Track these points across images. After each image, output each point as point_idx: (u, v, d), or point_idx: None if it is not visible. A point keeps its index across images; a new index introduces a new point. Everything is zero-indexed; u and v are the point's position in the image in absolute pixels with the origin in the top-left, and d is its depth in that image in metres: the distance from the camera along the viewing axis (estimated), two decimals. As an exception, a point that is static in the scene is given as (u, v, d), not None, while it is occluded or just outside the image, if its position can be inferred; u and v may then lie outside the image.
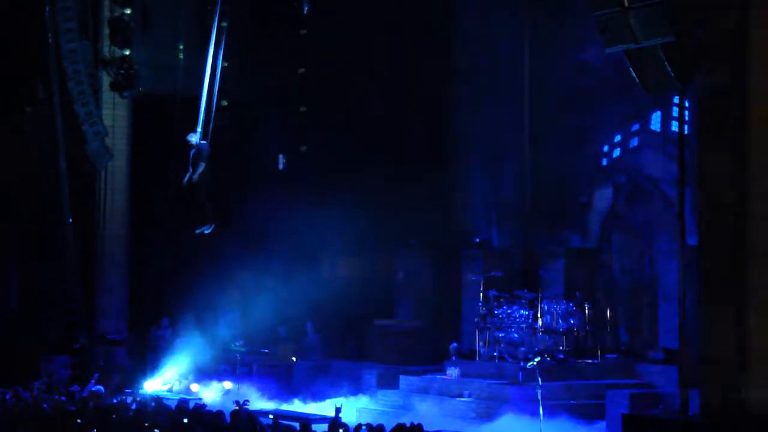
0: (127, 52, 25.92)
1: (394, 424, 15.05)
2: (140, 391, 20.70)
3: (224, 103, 27.13)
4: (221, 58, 19.70)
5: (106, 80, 26.28)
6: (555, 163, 24.04)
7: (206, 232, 19.70)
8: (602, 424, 18.76)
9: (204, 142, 19.33)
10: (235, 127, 27.59)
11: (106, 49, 26.22)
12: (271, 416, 18.36)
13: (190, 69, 26.85)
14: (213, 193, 19.76)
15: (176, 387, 23.95)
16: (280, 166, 28.38)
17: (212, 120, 19.57)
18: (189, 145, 19.45)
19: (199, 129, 19.34)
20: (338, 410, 17.26)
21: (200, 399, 19.31)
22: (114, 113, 26.55)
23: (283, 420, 17.82)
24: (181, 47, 27.30)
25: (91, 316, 25.93)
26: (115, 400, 19.16)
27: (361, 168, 25.80)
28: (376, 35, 25.53)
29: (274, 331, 26.45)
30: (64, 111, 25.22)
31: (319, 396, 23.16)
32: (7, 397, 18.81)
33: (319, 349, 25.57)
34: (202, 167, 19.25)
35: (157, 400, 19.37)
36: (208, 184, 19.56)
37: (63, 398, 19.27)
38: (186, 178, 19.33)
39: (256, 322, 25.99)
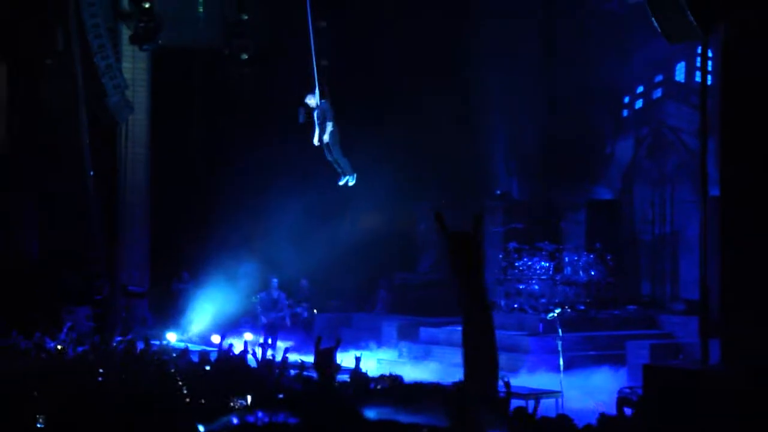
0: (147, 5, 25.83)
1: (415, 375, 15.04)
2: (162, 343, 20.78)
3: (244, 56, 27.04)
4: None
5: (125, 33, 26.23)
6: (576, 114, 23.93)
7: (351, 183, 19.98)
8: (623, 375, 18.76)
9: (324, 101, 19.57)
10: (255, 79, 27.52)
11: (125, 1, 26.18)
12: (300, 359, 18.40)
13: (210, 21, 26.91)
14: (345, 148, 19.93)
15: (196, 337, 24.06)
16: (301, 120, 28.30)
17: (325, 81, 19.77)
18: (309, 108, 19.68)
19: (316, 90, 19.55)
20: (358, 360, 17.33)
21: (226, 347, 19.27)
22: (134, 66, 26.54)
23: (306, 372, 17.87)
24: (201, 0, 27.21)
25: (113, 269, 26.05)
26: (137, 352, 19.24)
27: (381, 121, 25.72)
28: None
29: (297, 283, 26.51)
30: (83, 64, 25.17)
31: (340, 348, 23.15)
32: (28, 346, 18.97)
33: (285, 305, 25.41)
34: (330, 127, 19.52)
35: (180, 351, 19.45)
36: (340, 141, 19.75)
37: (87, 348, 19.39)
38: (318, 139, 19.56)
39: (278, 275, 26.05)
